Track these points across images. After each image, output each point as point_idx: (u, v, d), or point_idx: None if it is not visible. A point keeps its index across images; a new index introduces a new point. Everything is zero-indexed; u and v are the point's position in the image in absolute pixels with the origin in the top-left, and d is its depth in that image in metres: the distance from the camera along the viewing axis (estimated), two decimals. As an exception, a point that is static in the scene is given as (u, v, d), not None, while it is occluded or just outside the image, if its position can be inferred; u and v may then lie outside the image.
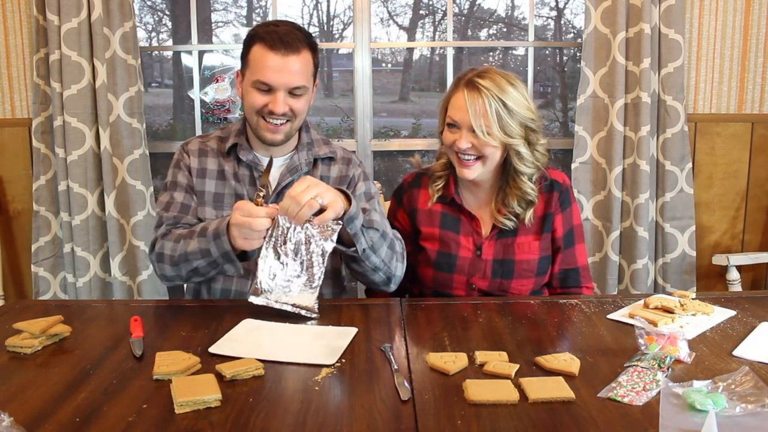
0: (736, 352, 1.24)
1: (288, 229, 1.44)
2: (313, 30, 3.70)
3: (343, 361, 1.21)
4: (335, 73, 3.88)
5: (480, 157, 1.61)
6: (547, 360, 1.18)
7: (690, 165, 2.72)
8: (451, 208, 1.73)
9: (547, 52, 3.66)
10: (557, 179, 1.73)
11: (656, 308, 1.44)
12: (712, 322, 1.40)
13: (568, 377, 1.12)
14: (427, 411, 1.02)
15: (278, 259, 1.46)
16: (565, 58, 3.65)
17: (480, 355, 1.20)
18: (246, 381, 1.13)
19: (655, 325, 1.32)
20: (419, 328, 1.40)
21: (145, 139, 2.72)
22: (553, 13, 3.69)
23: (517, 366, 1.16)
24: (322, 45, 3.77)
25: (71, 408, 1.03)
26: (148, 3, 3.51)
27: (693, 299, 1.50)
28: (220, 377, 1.12)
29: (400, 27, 3.71)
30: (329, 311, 1.50)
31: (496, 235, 1.71)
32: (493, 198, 1.71)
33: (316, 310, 1.46)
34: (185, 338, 1.33)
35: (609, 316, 1.44)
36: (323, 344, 1.29)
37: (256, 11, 3.56)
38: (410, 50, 3.80)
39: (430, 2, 3.64)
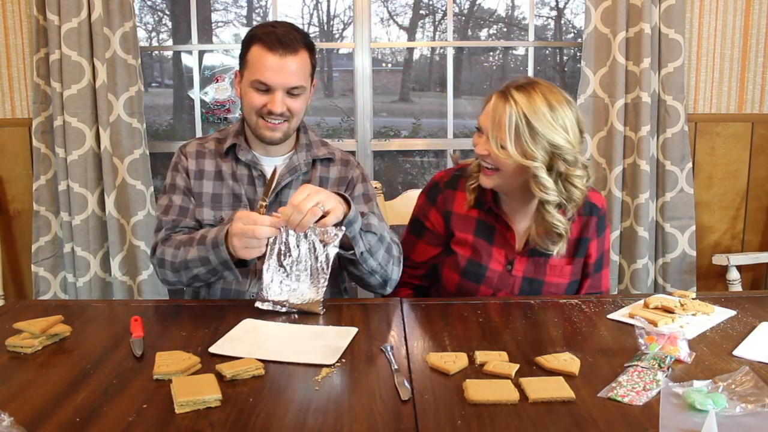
0: (736, 352, 1.24)
1: (290, 237, 1.46)
2: (313, 30, 3.69)
3: (343, 361, 1.21)
4: (335, 73, 3.88)
5: (496, 170, 1.55)
6: (547, 360, 1.17)
7: (690, 165, 2.72)
8: (488, 215, 1.66)
9: (547, 52, 3.66)
10: (596, 203, 1.67)
11: (656, 308, 1.44)
12: (712, 322, 1.40)
13: (568, 377, 1.12)
14: (427, 411, 1.02)
15: (282, 267, 1.47)
16: (565, 58, 3.65)
17: (480, 355, 1.20)
18: (246, 381, 1.13)
19: (655, 325, 1.32)
20: (419, 328, 1.40)
21: (146, 139, 2.72)
22: (553, 13, 3.69)
23: (517, 366, 1.16)
24: (322, 45, 3.78)
25: (71, 408, 1.03)
26: (148, 3, 3.51)
27: (693, 299, 1.50)
28: (220, 377, 1.12)
29: (400, 27, 3.71)
30: (329, 311, 1.50)
31: (528, 251, 1.65)
32: (531, 213, 1.63)
33: (322, 314, 1.47)
34: (185, 338, 1.33)
35: (609, 316, 1.44)
36: (323, 344, 1.29)
37: (256, 11, 3.56)
38: (410, 50, 3.80)
39: (430, 2, 3.64)
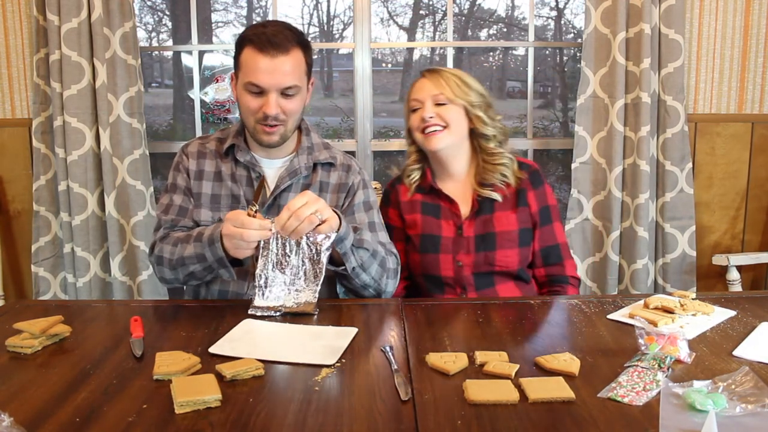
0: (736, 352, 1.24)
1: (284, 242, 1.46)
2: (313, 30, 3.69)
3: (343, 361, 1.21)
4: (335, 73, 3.88)
5: (445, 127, 1.76)
6: (547, 360, 1.18)
7: (690, 165, 2.72)
8: (431, 196, 1.85)
9: (547, 52, 3.66)
10: (525, 161, 1.87)
11: (656, 308, 1.44)
12: (712, 322, 1.40)
13: (568, 377, 1.12)
14: (427, 411, 1.02)
15: (276, 272, 1.48)
16: (565, 58, 3.65)
17: (480, 355, 1.20)
18: (246, 381, 1.13)
19: (655, 325, 1.32)
20: (419, 328, 1.40)
21: (145, 139, 2.72)
22: (553, 13, 3.69)
23: (517, 366, 1.16)
24: (322, 45, 3.78)
25: (71, 408, 1.03)
26: (148, 3, 3.51)
27: (693, 299, 1.50)
28: (220, 377, 1.12)
29: (400, 27, 3.71)
30: (329, 311, 1.50)
31: (474, 214, 1.81)
32: (471, 180, 1.84)
33: (315, 314, 1.48)
34: (185, 338, 1.33)
35: (609, 316, 1.44)
36: (323, 344, 1.29)
37: (256, 11, 3.57)
38: (410, 50, 3.80)
39: (430, 2, 3.64)
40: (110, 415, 1.01)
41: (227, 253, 1.47)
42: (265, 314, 1.46)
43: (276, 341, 1.33)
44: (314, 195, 1.43)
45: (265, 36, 1.53)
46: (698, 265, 2.79)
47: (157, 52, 3.61)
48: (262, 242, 1.46)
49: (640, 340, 1.22)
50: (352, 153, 2.85)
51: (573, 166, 2.74)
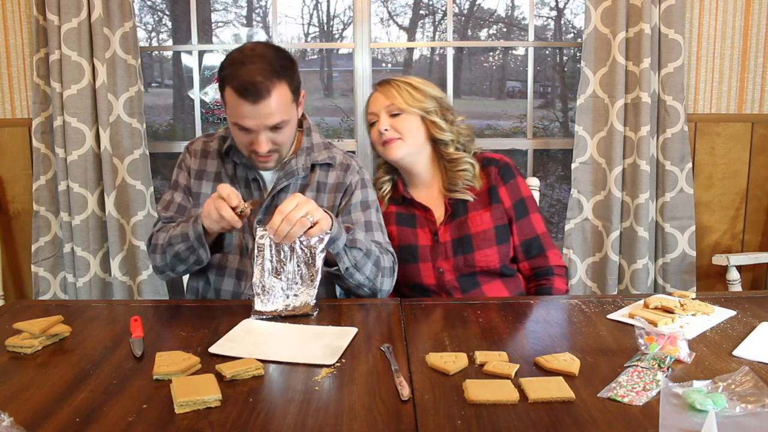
0: (736, 352, 1.24)
1: (278, 248, 1.47)
2: (313, 30, 3.70)
3: (343, 361, 1.21)
4: (335, 73, 3.88)
5: (401, 137, 1.77)
6: (547, 360, 1.17)
7: (690, 165, 2.71)
8: (404, 206, 1.85)
9: (547, 52, 3.66)
10: (494, 157, 1.86)
11: (656, 308, 1.44)
12: (712, 322, 1.40)
13: (568, 377, 1.12)
14: (427, 411, 1.02)
15: (273, 280, 1.48)
16: (565, 58, 3.65)
17: (480, 355, 1.20)
18: (246, 381, 1.13)
19: (655, 325, 1.32)
20: (419, 328, 1.40)
21: (145, 139, 2.72)
22: (553, 13, 3.69)
23: (517, 366, 1.16)
24: (322, 45, 3.78)
25: (71, 408, 1.03)
26: (148, 3, 3.51)
27: (693, 299, 1.50)
28: (220, 377, 1.12)
29: (400, 27, 3.71)
30: (329, 311, 1.50)
31: (448, 218, 1.81)
32: (440, 185, 1.84)
33: (314, 315, 1.48)
34: (185, 338, 1.33)
35: (609, 316, 1.44)
36: (323, 344, 1.29)
37: (256, 11, 3.57)
38: (410, 50, 3.80)
39: (430, 2, 3.64)
40: (110, 415, 1.01)
41: (207, 232, 1.51)
42: (267, 318, 1.47)
43: (276, 341, 1.33)
44: (304, 197, 1.43)
45: (244, 82, 1.47)
46: (698, 265, 2.79)
47: (157, 52, 3.61)
48: (256, 250, 1.47)
49: (640, 340, 1.22)
50: (353, 153, 2.84)
51: (573, 166, 2.74)
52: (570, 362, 1.16)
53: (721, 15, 2.72)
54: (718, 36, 2.74)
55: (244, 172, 1.68)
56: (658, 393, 1.05)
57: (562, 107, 3.63)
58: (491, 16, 3.70)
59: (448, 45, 3.03)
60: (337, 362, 1.20)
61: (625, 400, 1.04)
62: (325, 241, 1.46)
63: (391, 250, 1.69)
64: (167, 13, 3.57)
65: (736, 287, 2.63)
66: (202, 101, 3.04)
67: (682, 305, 1.44)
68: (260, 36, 3.48)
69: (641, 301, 1.50)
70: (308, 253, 1.47)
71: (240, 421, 0.99)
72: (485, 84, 3.86)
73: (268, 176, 1.68)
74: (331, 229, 1.46)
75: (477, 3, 3.63)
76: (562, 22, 3.67)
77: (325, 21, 3.73)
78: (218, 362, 1.17)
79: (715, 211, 2.85)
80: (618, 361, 1.20)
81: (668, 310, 1.42)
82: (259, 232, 1.47)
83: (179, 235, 1.56)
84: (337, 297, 1.78)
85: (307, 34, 3.68)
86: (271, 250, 1.48)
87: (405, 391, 1.07)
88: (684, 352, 1.20)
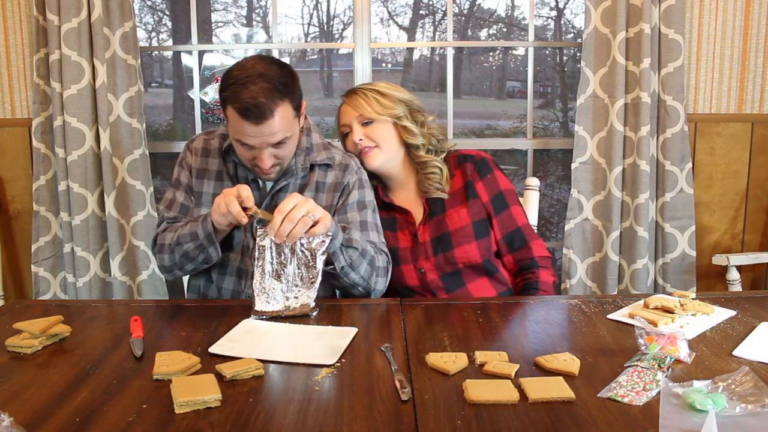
0: (736, 352, 1.24)
1: (279, 251, 1.47)
2: (313, 30, 3.70)
3: (343, 361, 1.21)
4: (335, 73, 3.88)
5: (377, 145, 1.78)
6: (547, 360, 1.18)
7: (690, 165, 2.71)
8: (385, 210, 1.84)
9: (547, 52, 3.66)
10: (469, 153, 1.87)
11: (656, 308, 1.44)
12: (712, 322, 1.40)
13: (568, 377, 1.12)
14: (427, 411, 1.02)
15: (273, 282, 1.48)
16: (565, 58, 3.65)
17: (480, 355, 1.20)
18: (246, 381, 1.13)
19: (655, 325, 1.32)
20: (419, 328, 1.40)
21: (145, 139, 2.72)
22: (553, 13, 3.69)
23: (517, 366, 1.16)
24: (322, 45, 3.78)
25: (71, 408, 1.03)
26: (148, 3, 3.51)
27: (693, 299, 1.50)
28: (220, 377, 1.12)
29: (400, 27, 3.71)
30: (329, 311, 1.50)
31: (427, 218, 1.82)
32: (416, 188, 1.85)
33: (313, 316, 1.48)
34: (185, 338, 1.33)
35: (609, 316, 1.44)
36: (323, 344, 1.29)
37: (256, 11, 3.57)
38: (410, 50, 3.81)
39: (430, 2, 3.65)
40: (110, 415, 1.01)
41: (216, 229, 1.52)
42: (266, 319, 1.47)
43: (276, 341, 1.33)
44: (302, 196, 1.43)
45: (246, 103, 1.46)
46: (698, 265, 2.79)
47: (157, 52, 3.61)
48: (257, 251, 1.47)
49: (640, 340, 1.22)
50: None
51: (573, 166, 2.74)
52: (570, 362, 1.16)
53: (721, 15, 2.72)
54: (718, 36, 2.74)
55: (245, 172, 1.68)
56: (658, 393, 1.05)
57: (562, 107, 3.63)
58: (491, 16, 3.70)
59: (448, 45, 3.03)
60: (337, 362, 1.20)
61: (625, 400, 1.04)
62: (327, 243, 1.46)
63: (386, 250, 1.69)
64: (167, 13, 3.57)
65: (736, 287, 2.63)
66: (202, 101, 3.04)
67: (682, 305, 1.44)
68: (260, 36, 3.48)
69: (641, 301, 1.50)
70: (308, 255, 1.47)
71: (240, 421, 0.99)
72: (485, 84, 3.86)
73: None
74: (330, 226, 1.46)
75: (477, 3, 3.63)
76: (562, 22, 3.67)
77: (325, 21, 3.73)
78: (218, 362, 1.17)
79: (715, 211, 2.85)
80: (618, 361, 1.20)
81: (668, 310, 1.42)
82: (260, 233, 1.47)
83: (188, 234, 1.57)
84: (336, 297, 1.78)
85: (307, 34, 3.68)
86: (271, 252, 1.48)
87: (405, 391, 1.07)
88: (684, 352, 1.20)
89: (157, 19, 3.60)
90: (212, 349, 1.25)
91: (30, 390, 1.10)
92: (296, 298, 1.48)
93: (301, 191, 1.65)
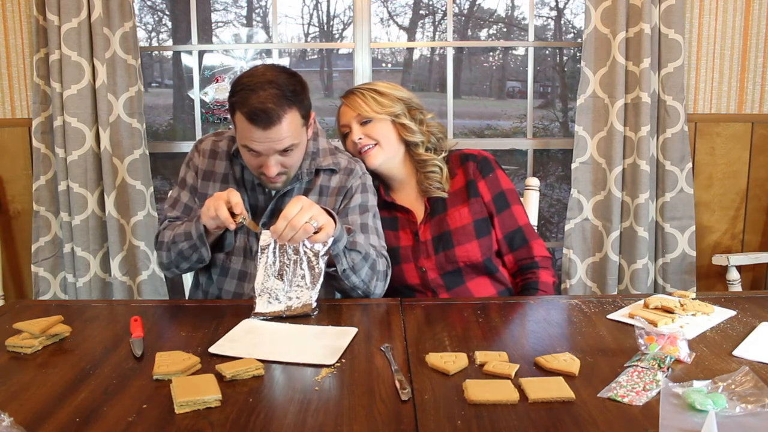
0: (736, 352, 1.24)
1: (282, 251, 1.47)
2: (313, 30, 3.70)
3: (343, 361, 1.21)
4: (335, 73, 3.88)
5: (376, 143, 1.78)
6: (547, 360, 1.18)
7: (690, 165, 2.71)
8: (387, 210, 1.85)
9: (547, 52, 3.66)
10: (471, 153, 1.87)
11: (656, 308, 1.44)
12: (712, 322, 1.40)
13: (568, 377, 1.12)
14: (427, 411, 1.02)
15: (275, 282, 1.48)
16: (565, 58, 3.65)
17: (480, 355, 1.20)
18: (246, 381, 1.13)
19: (655, 325, 1.32)
20: (419, 328, 1.40)
21: (145, 139, 2.72)
22: (553, 13, 3.69)
23: (517, 366, 1.16)
24: (322, 45, 3.77)
25: (71, 408, 1.03)
26: (148, 3, 3.51)
27: (693, 299, 1.50)
28: (220, 377, 1.12)
29: (400, 27, 3.71)
30: (329, 311, 1.50)
31: (428, 217, 1.82)
32: (418, 188, 1.86)
33: (313, 316, 1.48)
34: (185, 338, 1.33)
35: (609, 316, 1.44)
36: (323, 344, 1.29)
37: (256, 11, 3.57)
38: (410, 50, 3.80)
39: (430, 2, 3.65)
40: (110, 415, 1.01)
41: (208, 231, 1.54)
42: (267, 319, 1.47)
43: (276, 341, 1.33)
44: (308, 200, 1.43)
45: (255, 109, 1.46)
46: (698, 265, 2.79)
47: (157, 52, 3.61)
48: (259, 252, 1.48)
49: (640, 340, 1.22)
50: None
51: (573, 166, 2.74)
52: (570, 362, 1.16)
53: (721, 15, 2.72)
54: (718, 36, 2.74)
55: (251, 176, 1.68)
56: (658, 393, 1.05)
57: (562, 107, 3.63)
58: (491, 16, 3.70)
59: (448, 45, 3.03)
60: (337, 362, 1.20)
61: (625, 400, 1.04)
62: (329, 245, 1.46)
63: (386, 254, 1.69)
64: (167, 13, 3.57)
65: (736, 287, 2.63)
66: (202, 101, 3.04)
67: (682, 305, 1.44)
68: (260, 36, 3.48)
69: (641, 301, 1.50)
70: (311, 256, 1.47)
71: (240, 421, 0.99)
72: (485, 84, 3.86)
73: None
74: (334, 231, 1.46)
75: (477, 3, 3.63)
76: (562, 22, 3.67)
77: (325, 21, 3.73)
78: (218, 362, 1.17)
79: (715, 211, 2.85)
80: (618, 361, 1.20)
81: (668, 310, 1.42)
82: (263, 234, 1.48)
83: (183, 233, 1.59)
84: (336, 297, 1.78)
85: (307, 34, 3.68)
86: (274, 253, 1.48)
87: (405, 392, 1.07)
88: (684, 352, 1.20)
89: (157, 19, 3.60)
90: (212, 349, 1.25)
91: (30, 390, 1.10)
92: (298, 298, 1.48)
93: (305, 195, 1.65)
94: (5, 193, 2.81)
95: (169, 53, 3.58)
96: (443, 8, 3.47)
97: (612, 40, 2.62)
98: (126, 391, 1.09)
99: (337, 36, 3.75)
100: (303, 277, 1.48)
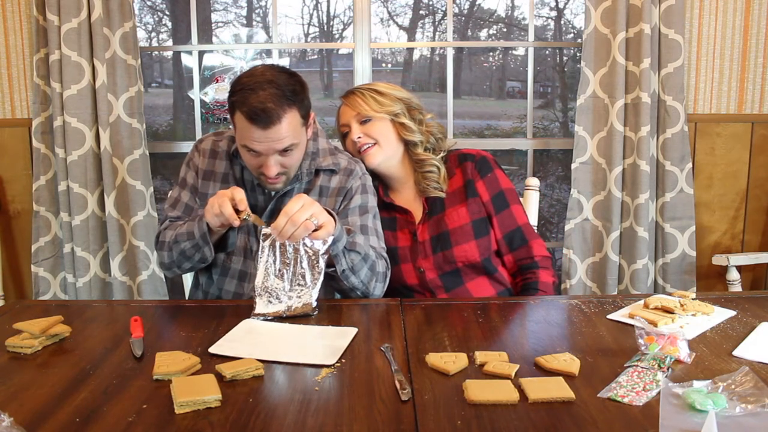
0: (736, 352, 1.24)
1: (282, 250, 1.47)
2: (313, 30, 3.70)
3: (343, 361, 1.21)
4: (335, 73, 3.88)
5: (376, 143, 1.79)
6: (547, 360, 1.18)
7: (690, 165, 2.71)
8: (386, 210, 1.84)
9: (547, 52, 3.66)
10: (469, 152, 1.87)
11: (656, 308, 1.44)
12: (712, 322, 1.40)
13: (568, 377, 1.12)
14: (427, 411, 1.02)
15: (275, 281, 1.48)
16: (565, 58, 3.65)
17: (480, 355, 1.20)
18: (246, 381, 1.13)
19: (655, 325, 1.32)
20: (419, 328, 1.40)
21: (145, 140, 2.72)
22: (553, 13, 3.69)
23: (517, 366, 1.16)
24: (322, 45, 3.77)
25: (71, 408, 1.03)
26: (148, 3, 3.51)
27: (693, 299, 1.50)
28: (220, 377, 1.12)
29: (400, 27, 3.71)
30: (329, 311, 1.50)
31: (426, 217, 1.82)
32: (416, 188, 1.86)
33: (313, 315, 1.48)
34: (185, 338, 1.33)
35: (609, 316, 1.44)
36: (323, 344, 1.29)
37: (256, 11, 3.57)
38: (410, 50, 3.80)
39: (430, 2, 3.65)
40: (110, 415, 1.01)
41: (211, 230, 1.54)
42: (267, 319, 1.47)
43: (276, 341, 1.33)
44: (309, 198, 1.43)
45: (255, 108, 1.46)
46: (698, 265, 2.79)
47: (157, 52, 3.61)
48: (260, 251, 1.48)
49: (640, 340, 1.22)
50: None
51: (573, 166, 2.74)
52: (570, 362, 1.16)
53: (721, 15, 2.72)
54: (718, 36, 2.74)
55: (251, 176, 1.68)
56: (658, 393, 1.05)
57: (562, 107, 3.63)
58: (491, 17, 3.70)
59: (448, 45, 3.03)
60: (337, 362, 1.20)
61: (625, 400, 1.04)
62: (328, 243, 1.47)
63: (385, 255, 1.69)
64: (167, 13, 3.57)
65: (736, 287, 2.63)
66: (202, 101, 3.04)
67: (682, 305, 1.44)
68: (260, 36, 3.48)
69: (641, 301, 1.50)
70: (311, 255, 1.47)
71: (240, 421, 0.99)
72: (485, 84, 3.86)
73: None
74: (334, 230, 1.46)
75: (477, 3, 3.63)
76: (562, 22, 3.67)
77: (325, 21, 3.73)
78: (218, 362, 1.17)
79: (715, 211, 2.85)
80: (618, 361, 1.20)
81: (668, 311, 1.42)
82: (264, 232, 1.48)
83: (185, 233, 1.58)
84: (335, 297, 1.78)
85: (307, 34, 3.68)
86: (275, 252, 1.48)
87: (405, 392, 1.07)
88: (684, 352, 1.20)
89: (157, 19, 3.60)
90: (212, 349, 1.25)
91: (30, 390, 1.10)
92: (299, 297, 1.48)
93: None
94: (5, 193, 2.81)
95: (169, 53, 3.58)
96: (443, 8, 3.47)
97: (612, 40, 2.62)
98: (126, 391, 1.09)
99: (337, 36, 3.75)
100: (303, 276, 1.48)
